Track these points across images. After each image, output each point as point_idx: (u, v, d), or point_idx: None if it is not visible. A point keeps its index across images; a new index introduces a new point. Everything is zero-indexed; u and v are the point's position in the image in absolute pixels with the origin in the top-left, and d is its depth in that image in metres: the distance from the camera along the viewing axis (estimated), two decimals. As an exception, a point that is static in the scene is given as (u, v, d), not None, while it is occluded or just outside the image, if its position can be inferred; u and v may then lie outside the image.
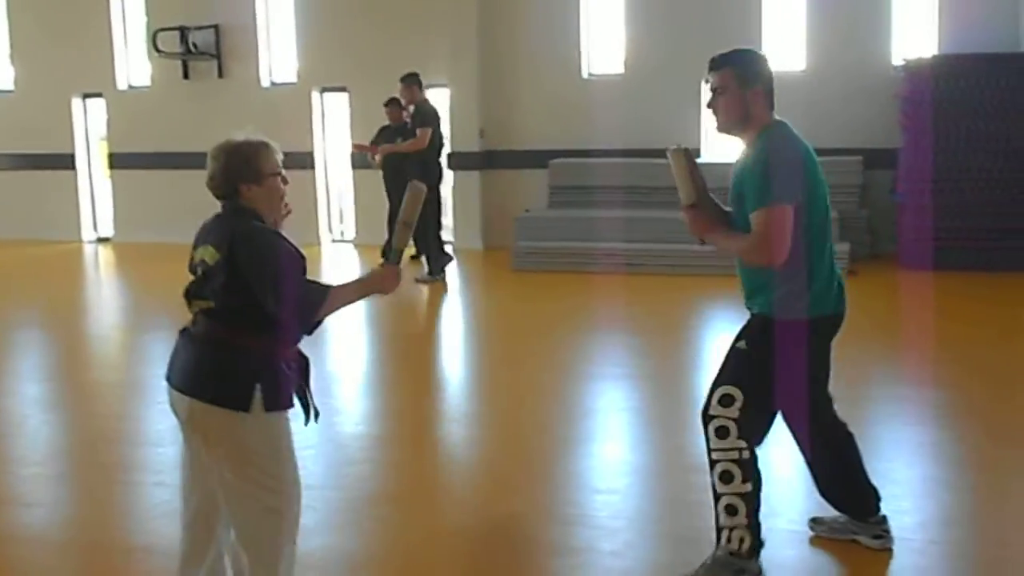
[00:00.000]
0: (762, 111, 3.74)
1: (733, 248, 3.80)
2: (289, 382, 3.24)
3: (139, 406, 6.82)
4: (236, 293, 3.17)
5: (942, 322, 8.27)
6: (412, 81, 10.63)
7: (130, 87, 14.38)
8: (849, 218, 11.06)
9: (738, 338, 3.89)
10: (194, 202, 13.52)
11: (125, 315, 10.63)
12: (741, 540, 3.77)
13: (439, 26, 12.72)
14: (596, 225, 11.26)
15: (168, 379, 3.33)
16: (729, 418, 3.75)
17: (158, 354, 8.20)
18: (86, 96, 14.62)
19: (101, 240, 14.86)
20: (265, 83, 13.67)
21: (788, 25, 12.03)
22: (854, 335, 7.97)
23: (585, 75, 12.58)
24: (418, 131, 10.35)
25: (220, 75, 13.71)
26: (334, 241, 13.85)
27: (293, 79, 13.52)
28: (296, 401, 3.30)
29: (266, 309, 3.15)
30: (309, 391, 3.37)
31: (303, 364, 3.35)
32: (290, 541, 3.25)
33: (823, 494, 4.24)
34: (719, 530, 3.83)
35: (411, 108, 10.76)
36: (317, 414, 3.37)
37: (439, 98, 13.05)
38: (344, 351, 8.10)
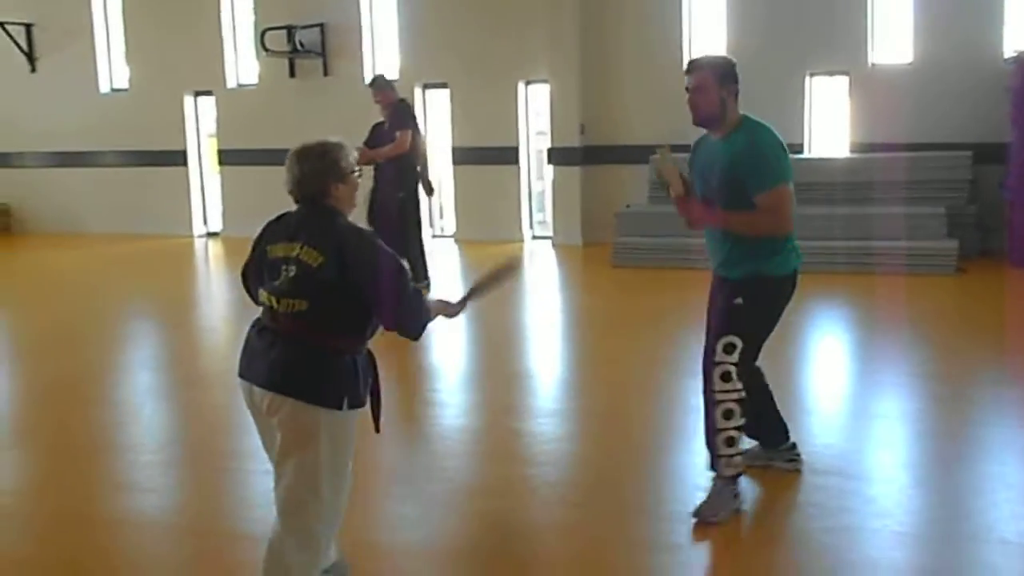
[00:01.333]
0: (734, 108, 4.39)
1: (744, 224, 4.33)
2: (366, 381, 3.46)
3: (247, 396, 6.99)
4: (339, 296, 3.32)
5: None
6: (382, 85, 9.97)
7: (239, 85, 14.74)
8: (958, 214, 10.76)
9: (733, 295, 4.40)
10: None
11: (234, 307, 10.89)
12: (736, 467, 4.42)
13: (539, 22, 12.75)
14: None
15: (244, 376, 3.50)
16: (732, 363, 4.32)
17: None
18: (197, 94, 15.02)
19: (210, 235, 15.26)
20: (369, 80, 13.85)
21: (895, 17, 11.75)
22: (962, 334, 7.83)
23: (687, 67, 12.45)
24: (397, 134, 9.50)
25: (325, 73, 13.96)
26: (434, 236, 13.98)
27: (396, 76, 13.68)
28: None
29: (374, 310, 3.34)
30: (378, 386, 3.57)
31: (372, 362, 3.54)
32: (325, 524, 3.46)
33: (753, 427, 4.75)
34: (718, 458, 4.41)
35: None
36: (377, 415, 3.58)
37: (540, 94, 13.11)
38: (445, 344, 8.18)
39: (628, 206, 12.08)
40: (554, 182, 13.05)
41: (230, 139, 14.75)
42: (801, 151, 11.99)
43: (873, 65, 11.75)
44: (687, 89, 4.41)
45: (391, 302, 3.36)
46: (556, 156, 12.86)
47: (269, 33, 13.90)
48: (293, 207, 3.59)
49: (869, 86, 11.69)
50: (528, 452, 5.64)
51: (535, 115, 13.67)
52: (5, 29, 15.24)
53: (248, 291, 3.72)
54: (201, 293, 12.15)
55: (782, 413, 4.96)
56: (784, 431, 4.93)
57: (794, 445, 4.95)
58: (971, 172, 11.05)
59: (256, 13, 14.35)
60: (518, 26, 12.91)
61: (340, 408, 3.35)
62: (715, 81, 4.35)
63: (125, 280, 12.11)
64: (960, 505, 4.62)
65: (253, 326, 3.53)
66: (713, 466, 4.48)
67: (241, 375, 3.52)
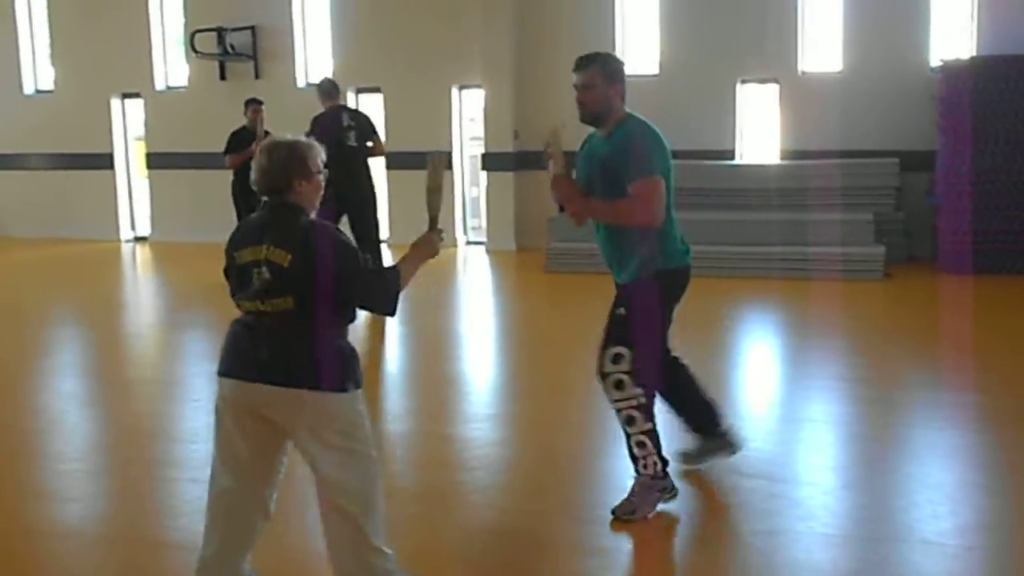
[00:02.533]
0: (620, 105, 4.47)
1: (612, 212, 4.43)
2: (357, 361, 3.57)
3: (173, 403, 6.88)
4: (316, 288, 3.39)
5: (980, 327, 8.18)
6: (258, 104, 10.65)
7: (168, 87, 14.52)
8: (885, 221, 10.97)
9: (616, 306, 4.50)
10: (230, 202, 13.65)
11: (161, 313, 10.73)
12: (655, 464, 4.50)
13: (473, 27, 12.75)
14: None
15: (235, 374, 3.46)
16: (622, 372, 4.41)
17: (193, 352, 8.31)
18: (124, 96, 14.77)
19: (138, 239, 15.01)
20: (301, 83, 13.75)
21: (825, 26, 11.95)
22: (890, 338, 7.97)
23: (620, 76, 12.54)
24: (374, 139, 9.66)
25: (257, 76, 13.80)
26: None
27: (328, 80, 13.59)
28: None
29: (348, 300, 3.46)
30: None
31: None
32: (381, 492, 3.58)
33: (684, 419, 5.02)
34: (635, 459, 4.52)
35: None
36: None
37: (474, 99, 13.09)
38: (375, 348, 8.13)
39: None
40: (488, 188, 13.04)
41: (159, 142, 14.51)
42: (732, 157, 12.13)
43: (803, 73, 11.94)
44: (575, 87, 4.50)
45: (359, 291, 3.46)
46: (490, 162, 12.86)
47: (199, 35, 13.71)
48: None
49: (799, 94, 11.88)
50: (459, 457, 5.61)
51: (469, 121, 13.66)
52: (-75, 28, 14.87)
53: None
54: (128, 298, 11.93)
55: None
56: (717, 412, 5.04)
57: (730, 425, 5.08)
58: (898, 179, 11.28)
59: (185, 14, 14.14)
60: (452, 31, 12.90)
61: (347, 391, 3.45)
62: (603, 79, 4.43)
63: (49, 285, 11.86)
64: (884, 506, 4.70)
65: (237, 323, 3.54)
66: (635, 468, 4.57)
67: (229, 374, 3.48)
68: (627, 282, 4.52)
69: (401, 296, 3.54)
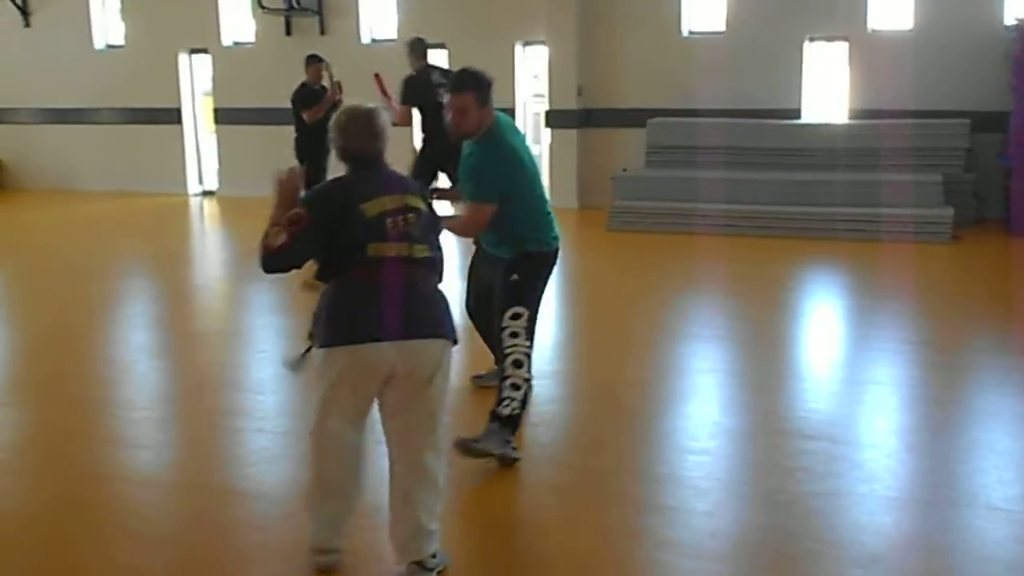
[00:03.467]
0: (489, 118, 4.85)
1: (453, 225, 4.92)
2: None
3: (241, 354, 7.01)
4: (437, 238, 3.77)
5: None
6: (318, 61, 10.45)
7: (235, 43, 14.62)
8: (954, 182, 10.75)
9: (509, 272, 4.96)
10: (295, 157, 13.61)
11: (228, 266, 10.89)
12: (514, 409, 4.72)
13: (537, -17, 12.65)
14: (694, 185, 11.15)
15: (397, 335, 3.48)
16: (520, 326, 4.88)
17: (260, 304, 8.43)
18: (193, 52, 14.91)
19: (206, 193, 15.21)
20: (365, 39, 13.77)
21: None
22: (957, 301, 7.85)
23: (685, 33, 12.39)
24: (401, 107, 9.29)
25: (322, 32, 13.84)
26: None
27: (393, 36, 13.59)
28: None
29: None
30: None
31: None
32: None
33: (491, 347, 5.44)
34: (501, 400, 4.74)
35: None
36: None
37: (538, 56, 13.02)
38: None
39: (624, 170, 12.05)
40: (551, 145, 12.99)
41: (226, 98, 14.65)
42: (798, 117, 11.95)
43: (873, 31, 11.69)
44: (453, 108, 4.82)
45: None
46: (553, 119, 12.79)
47: (266, -9, 13.78)
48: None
49: (868, 52, 11.63)
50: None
51: (532, 77, 13.58)
52: (-1, -17, 15.11)
53: (285, 258, 3.56)
54: (196, 251, 12.13)
55: (769, 377, 5.02)
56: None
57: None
58: (969, 140, 11.02)
59: (253, -30, 14.21)
60: (516, -13, 12.81)
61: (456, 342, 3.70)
62: (475, 103, 4.77)
63: (118, 238, 12.08)
64: (948, 471, 4.66)
65: (357, 285, 3.52)
66: (496, 406, 4.74)
67: (371, 338, 3.47)
68: (511, 256, 4.99)
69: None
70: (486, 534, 4.18)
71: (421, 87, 9.34)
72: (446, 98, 9.11)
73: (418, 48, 9.68)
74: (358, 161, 3.70)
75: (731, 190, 10.91)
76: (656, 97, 12.40)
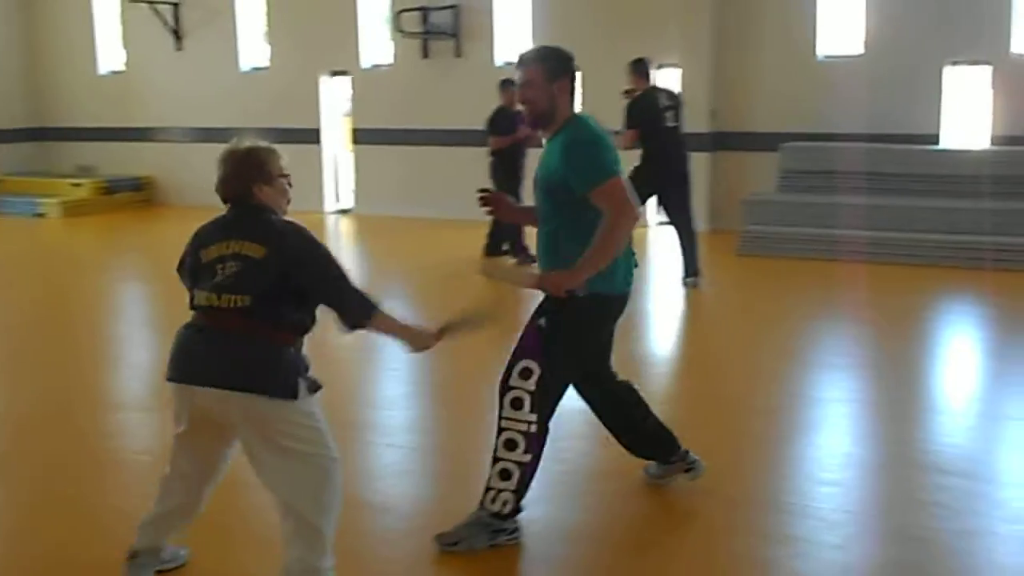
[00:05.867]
0: (565, 104, 4.03)
1: (600, 250, 3.87)
2: (308, 369, 3.55)
3: (374, 370, 7.17)
4: (280, 288, 3.43)
5: None
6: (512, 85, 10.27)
7: (373, 66, 15.00)
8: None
9: (536, 316, 4.05)
10: (430, 176, 14.12)
11: (363, 282, 11.13)
12: (504, 503, 4.05)
13: (671, 5, 12.63)
14: (829, 211, 10.94)
15: (184, 379, 3.49)
16: (526, 391, 3.97)
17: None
18: (333, 74, 15.35)
19: (342, 211, 15.61)
20: (499, 62, 13.96)
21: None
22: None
23: (820, 56, 12.20)
24: (627, 131, 9.22)
25: (457, 54, 14.10)
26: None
27: (527, 59, 13.73)
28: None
29: (317, 299, 3.52)
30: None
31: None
32: (337, 492, 3.58)
33: (633, 452, 4.64)
34: (487, 490, 4.06)
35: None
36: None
37: (670, 78, 12.99)
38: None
39: (756, 194, 11.90)
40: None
41: (364, 118, 15.03)
42: (936, 142, 11.63)
43: (1017, 55, 11.30)
44: (519, 83, 4.11)
45: (341, 292, 3.54)
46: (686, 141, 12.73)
47: (404, 14, 14.10)
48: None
49: (1013, 77, 11.25)
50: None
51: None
52: (155, 8, 15.82)
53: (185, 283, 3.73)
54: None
55: (904, 409, 4.82)
56: (671, 440, 4.62)
57: (687, 452, 4.65)
58: None
59: (392, -6, 14.58)
60: (650, 10, 12.81)
61: (296, 398, 3.43)
62: (544, 76, 4.02)
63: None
64: (1096, 513, 4.47)
65: (187, 328, 3.57)
66: (482, 498, 4.13)
67: (179, 379, 3.51)
68: (552, 295, 4.05)
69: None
70: (614, 558, 4.18)
71: (647, 110, 9.20)
72: (672, 121, 9.07)
73: (642, 69, 9.46)
74: (223, 202, 3.63)
75: (868, 216, 10.66)
76: (789, 121, 12.23)
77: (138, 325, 9.10)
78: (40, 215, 15.42)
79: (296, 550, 3.52)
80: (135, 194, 16.38)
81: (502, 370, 4.07)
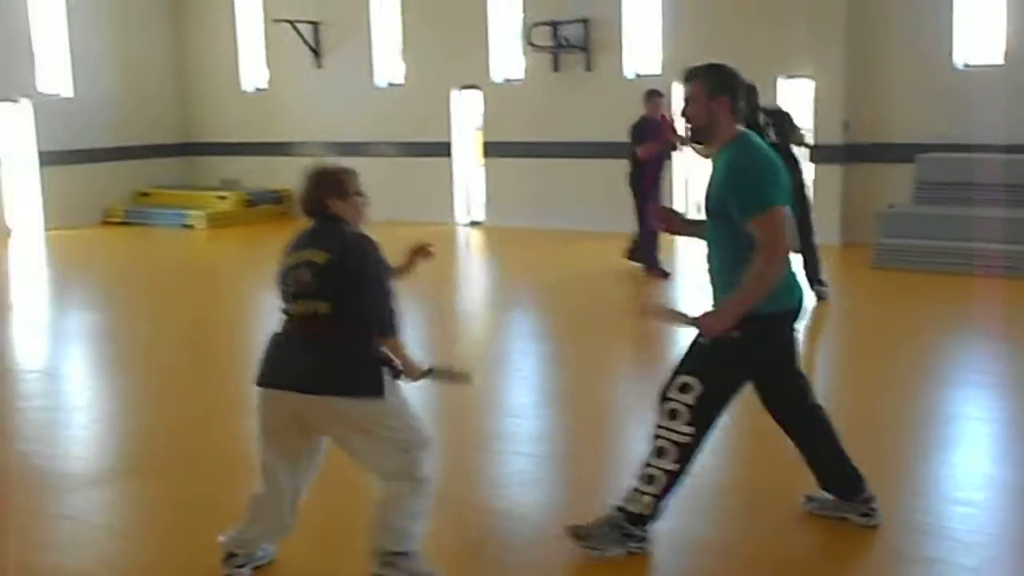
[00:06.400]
0: (727, 121, 4.05)
1: (749, 291, 3.90)
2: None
3: (502, 379, 7.29)
4: (351, 292, 3.66)
5: None
6: (658, 96, 10.59)
7: (505, 80, 15.20)
8: None
9: (700, 333, 4.08)
10: (561, 189, 14.21)
11: (493, 293, 11.31)
12: (645, 506, 4.09)
13: (804, 15, 12.46)
14: (968, 224, 10.62)
15: (275, 383, 3.76)
16: (683, 404, 4.02)
17: (521, 330, 8.74)
18: (465, 88, 15.62)
19: (473, 223, 15.84)
20: (630, 75, 13.99)
21: None
22: None
23: (959, 66, 11.86)
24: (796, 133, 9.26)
25: (588, 68, 14.18)
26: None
27: (657, 71, 13.74)
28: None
29: (361, 303, 3.68)
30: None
31: None
32: (428, 467, 3.86)
33: (818, 481, 4.50)
34: (631, 490, 4.13)
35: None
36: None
37: (802, 90, 12.80)
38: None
39: (891, 206, 11.63)
40: (814, 180, 12.71)
41: (495, 132, 15.23)
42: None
43: None
44: (683, 99, 4.17)
45: (381, 300, 3.73)
46: (818, 154, 12.51)
47: (534, 29, 14.27)
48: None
49: None
50: (777, 452, 5.60)
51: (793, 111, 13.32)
52: (295, 27, 16.37)
53: None
54: (462, 278, 12.66)
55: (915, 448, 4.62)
56: (856, 481, 4.44)
57: (870, 498, 4.45)
58: None
59: (523, 9, 14.75)
60: (782, 20, 12.66)
61: (382, 395, 3.71)
62: (705, 92, 4.06)
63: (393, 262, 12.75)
64: None
65: (276, 335, 3.85)
66: (623, 497, 4.20)
67: (269, 384, 3.79)
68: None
69: None
70: (743, 572, 4.19)
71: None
72: (773, 138, 8.99)
73: (745, 90, 9.50)
74: (305, 216, 3.90)
75: (1006, 229, 10.31)
76: (926, 132, 11.92)
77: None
78: (188, 226, 16.12)
79: (385, 512, 3.82)
80: (275, 207, 16.95)
81: (660, 382, 4.18)
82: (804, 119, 12.92)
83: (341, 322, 3.66)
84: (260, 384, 3.81)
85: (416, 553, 3.85)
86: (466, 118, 15.84)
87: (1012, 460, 5.41)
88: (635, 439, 5.85)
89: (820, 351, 8.28)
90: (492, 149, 15.29)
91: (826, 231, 12.33)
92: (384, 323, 3.75)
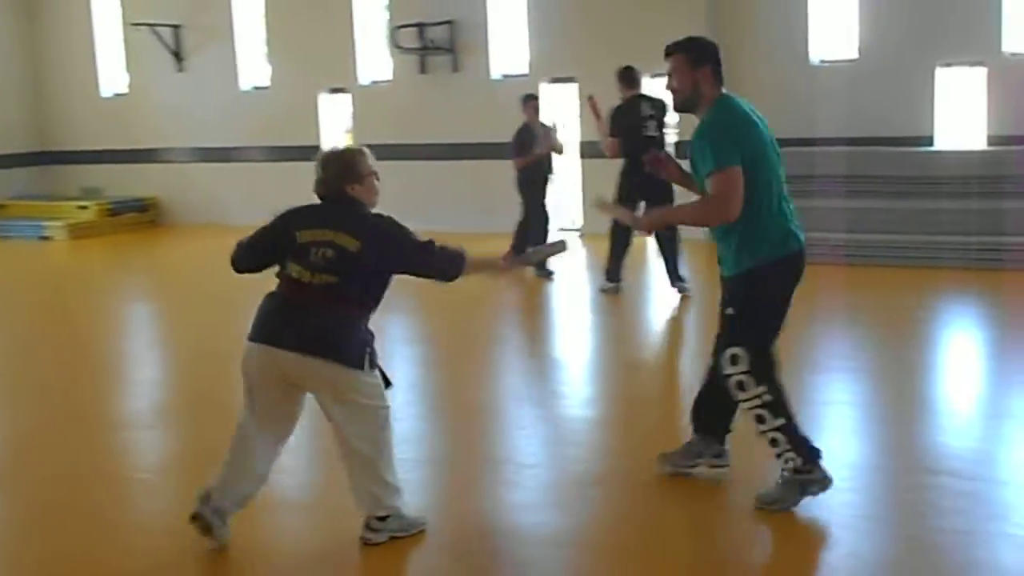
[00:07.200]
0: (710, 88, 4.39)
1: (688, 216, 4.61)
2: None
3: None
4: (368, 274, 4.06)
5: None
6: (534, 99, 10.70)
7: (372, 82, 15.13)
8: None
9: (725, 304, 4.45)
10: (430, 190, 14.17)
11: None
12: (794, 459, 4.37)
13: (665, 14, 12.73)
14: (811, 215, 10.90)
15: (269, 341, 4.06)
16: (742, 372, 4.33)
17: (395, 335, 8.69)
18: (332, 91, 15.49)
19: (344, 226, 15.71)
20: (496, 76, 14.08)
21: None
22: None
23: (815, 61, 12.29)
24: (609, 139, 9.39)
25: (455, 69, 14.21)
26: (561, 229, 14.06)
27: (524, 71, 13.86)
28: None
29: (417, 275, 4.21)
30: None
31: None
32: (391, 436, 4.26)
33: (698, 412, 4.84)
34: (777, 456, 4.41)
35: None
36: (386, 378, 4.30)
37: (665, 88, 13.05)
38: (540, 338, 8.29)
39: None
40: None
41: (364, 134, 15.13)
42: (931, 144, 11.69)
43: (1011, 55, 11.38)
44: (666, 73, 4.51)
45: (430, 261, 4.17)
46: (680, 149, 12.83)
47: (400, 30, 14.24)
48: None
49: (1006, 76, 11.33)
50: (637, 442, 5.71)
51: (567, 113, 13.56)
52: (155, 31, 15.98)
53: (239, 261, 4.37)
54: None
55: (899, 411, 4.88)
56: (724, 433, 4.80)
57: (724, 453, 4.82)
58: None
59: (388, 11, 14.71)
60: (644, 19, 12.89)
61: (362, 368, 4.06)
62: (688, 64, 4.40)
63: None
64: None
65: (272, 297, 4.16)
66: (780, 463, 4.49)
67: (263, 340, 4.08)
68: (730, 276, 4.46)
69: None
70: (597, 561, 4.27)
71: (629, 119, 9.26)
72: (653, 131, 9.19)
73: (629, 77, 9.54)
74: (320, 199, 4.23)
75: (855, 219, 10.72)
76: (783, 127, 12.24)
77: (143, 345, 9.21)
78: (46, 238, 15.57)
79: (359, 481, 4.20)
80: (140, 215, 16.53)
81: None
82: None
83: (344, 297, 4.03)
84: (255, 340, 4.10)
85: (398, 510, 4.24)
86: (334, 121, 15.72)
87: (869, 441, 5.64)
88: (511, 438, 5.92)
89: (682, 344, 8.48)
90: (362, 152, 15.18)
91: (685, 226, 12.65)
92: (452, 266, 4.22)
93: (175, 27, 16.17)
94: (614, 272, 9.49)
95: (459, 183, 13.91)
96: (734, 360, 4.34)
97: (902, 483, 4.91)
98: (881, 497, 4.81)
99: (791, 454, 4.38)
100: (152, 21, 15.97)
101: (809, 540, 4.38)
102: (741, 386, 4.35)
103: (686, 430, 4.99)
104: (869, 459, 5.33)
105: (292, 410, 4.24)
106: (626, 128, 9.23)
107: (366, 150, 4.27)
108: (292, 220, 4.20)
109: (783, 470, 4.45)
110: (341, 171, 4.16)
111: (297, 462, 5.26)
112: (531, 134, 10.52)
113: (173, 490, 5.17)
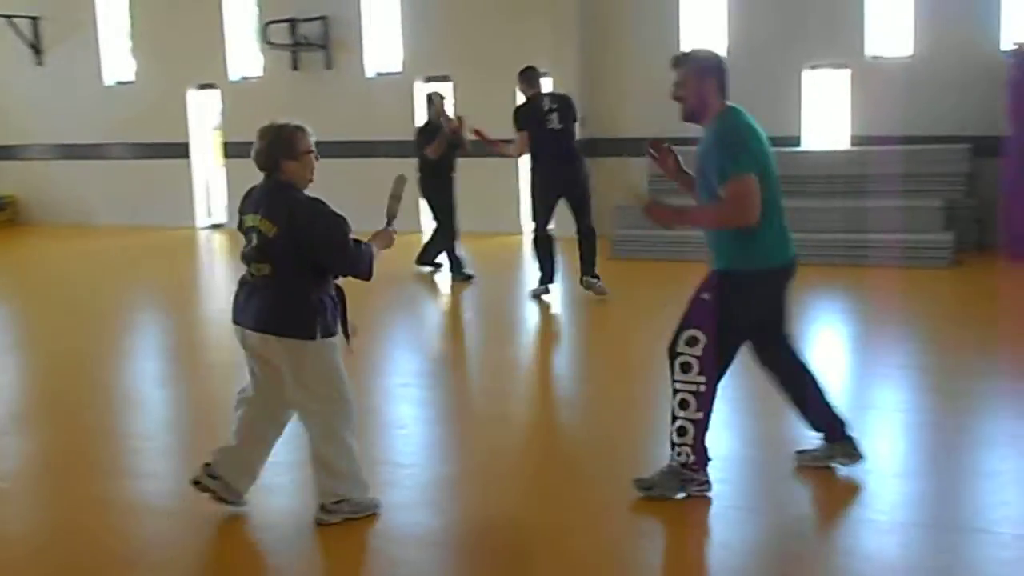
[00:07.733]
0: (715, 100, 4.50)
1: (706, 217, 4.55)
2: (335, 313, 4.26)
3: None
4: (294, 259, 4.10)
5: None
6: (439, 98, 10.70)
7: (242, 78, 14.81)
8: (955, 208, 10.81)
9: (702, 290, 4.50)
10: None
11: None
12: (687, 455, 4.49)
13: (541, 14, 12.81)
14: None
15: (237, 321, 4.31)
16: (693, 356, 4.42)
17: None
18: (201, 87, 15.11)
19: (214, 226, 15.36)
20: (370, 73, 13.94)
21: (894, 9, 11.77)
22: (956, 326, 7.89)
23: (686, 63, 12.51)
24: (518, 135, 9.35)
25: (328, 66, 14.02)
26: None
27: (398, 69, 13.77)
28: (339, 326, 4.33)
29: (328, 268, 4.18)
30: (346, 316, 4.37)
31: (341, 296, 4.34)
32: (349, 428, 4.35)
33: (803, 418, 4.88)
34: (672, 445, 4.54)
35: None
36: (348, 335, 4.40)
37: (543, 86, 13.13)
38: (453, 335, 8.25)
39: (627, 199, 12.11)
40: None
41: (235, 132, 14.81)
42: (798, 144, 12.04)
43: (873, 58, 11.80)
44: (674, 84, 4.61)
45: (338, 257, 4.15)
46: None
47: (272, 26, 13.98)
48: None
49: (869, 79, 11.74)
50: (509, 440, 5.70)
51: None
52: (12, 22, 15.34)
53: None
54: (203, 284, 12.25)
55: (767, 404, 4.99)
56: (842, 423, 4.84)
57: (853, 438, 4.84)
58: (969, 165, 11.08)
59: (259, 6, 14.43)
60: (520, 18, 12.95)
61: (314, 338, 4.14)
62: (695, 76, 4.51)
63: (128, 271, 12.21)
64: (939, 495, 4.71)
65: (240, 280, 4.34)
66: (670, 453, 4.58)
67: (235, 322, 4.33)
68: (720, 270, 4.51)
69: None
70: (459, 561, 4.24)
71: (532, 114, 9.33)
72: (556, 123, 9.08)
73: (530, 76, 9.65)
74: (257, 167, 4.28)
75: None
76: (660, 125, 12.44)
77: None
78: None
79: (314, 466, 4.35)
80: (-2, 213, 15.87)
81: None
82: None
83: (281, 279, 4.13)
84: (233, 321, 4.33)
85: (350, 497, 4.34)
86: (203, 118, 15.35)
87: (747, 434, 5.73)
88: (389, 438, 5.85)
89: (565, 340, 8.53)
90: (232, 149, 14.88)
91: (567, 223, 12.74)
92: (361, 266, 4.22)
93: (33, 19, 15.56)
94: (548, 275, 9.51)
95: (332, 182, 13.64)
96: (691, 342, 4.43)
97: (771, 474, 5.00)
98: (750, 488, 4.90)
99: (688, 449, 4.49)
100: (8, 12, 15.32)
101: (683, 532, 4.42)
102: (686, 367, 4.43)
103: (565, 425, 4.99)
104: (739, 451, 5.42)
105: (277, 394, 4.34)
106: (531, 124, 9.32)
107: (307, 127, 4.24)
108: (241, 205, 4.35)
109: (672, 460, 4.54)
110: (276, 144, 4.16)
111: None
112: (435, 127, 10.46)
113: (33, 497, 4.98)
